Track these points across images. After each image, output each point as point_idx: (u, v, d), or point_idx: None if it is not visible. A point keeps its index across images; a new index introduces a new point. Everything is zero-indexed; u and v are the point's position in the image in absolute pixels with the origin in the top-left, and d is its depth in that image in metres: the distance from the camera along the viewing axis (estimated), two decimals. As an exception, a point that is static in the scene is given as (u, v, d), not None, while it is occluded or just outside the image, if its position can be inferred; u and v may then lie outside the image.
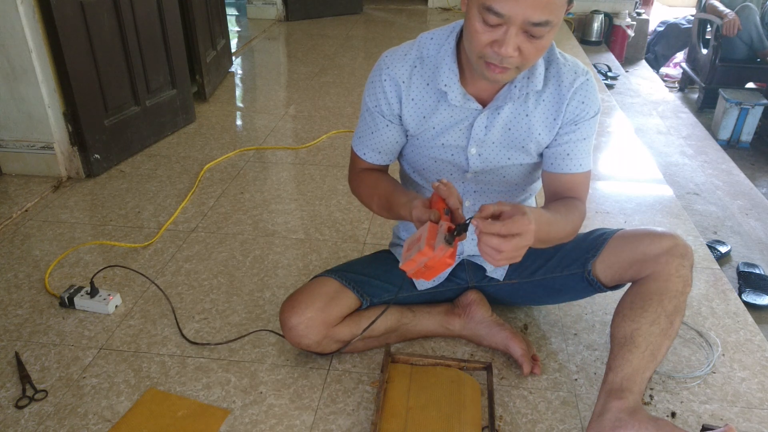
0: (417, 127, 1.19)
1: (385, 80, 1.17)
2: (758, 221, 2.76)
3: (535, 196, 1.37)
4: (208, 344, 1.40)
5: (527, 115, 1.15)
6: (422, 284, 1.38)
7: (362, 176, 1.29)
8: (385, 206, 1.19)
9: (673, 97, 4.64)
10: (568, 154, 1.17)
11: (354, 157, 1.30)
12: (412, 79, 1.16)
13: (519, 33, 0.95)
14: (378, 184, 1.24)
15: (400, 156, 1.31)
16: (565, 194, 1.20)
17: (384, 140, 1.24)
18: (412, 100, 1.17)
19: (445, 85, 1.13)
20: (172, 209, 1.98)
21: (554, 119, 1.15)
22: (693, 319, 1.50)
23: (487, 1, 0.94)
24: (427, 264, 0.95)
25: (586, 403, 1.25)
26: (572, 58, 1.16)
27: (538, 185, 1.33)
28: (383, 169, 1.31)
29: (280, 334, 1.39)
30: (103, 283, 1.61)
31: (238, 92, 3.25)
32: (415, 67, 1.16)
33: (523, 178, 1.26)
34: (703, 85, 4.43)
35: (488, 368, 1.29)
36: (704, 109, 4.40)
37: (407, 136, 1.24)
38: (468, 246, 1.35)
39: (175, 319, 1.48)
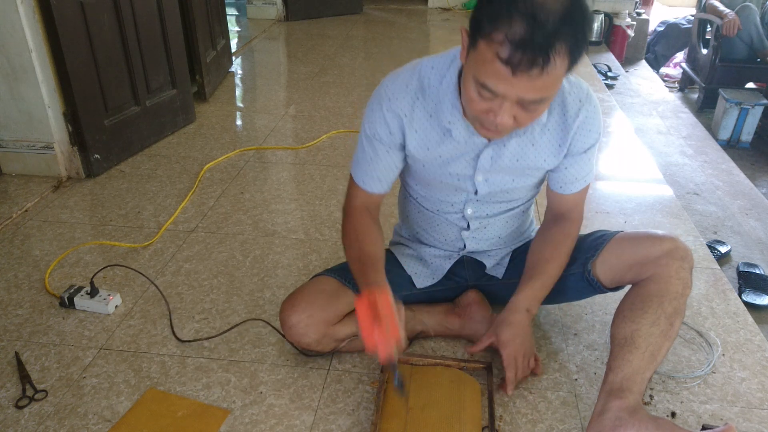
0: (422, 156, 1.19)
1: (386, 111, 1.15)
2: (758, 221, 2.76)
3: (536, 198, 1.37)
4: (197, 340, 1.40)
5: (533, 145, 1.17)
6: (422, 283, 1.38)
7: (359, 219, 1.25)
8: (357, 260, 1.18)
9: (673, 97, 4.64)
10: (576, 178, 1.23)
11: (353, 188, 1.27)
12: (415, 111, 1.15)
13: (514, 105, 0.96)
14: (366, 241, 1.21)
15: (404, 172, 1.30)
16: (566, 212, 1.29)
17: (384, 167, 1.22)
18: (416, 131, 1.16)
19: (449, 122, 1.13)
20: (172, 209, 1.98)
21: (559, 146, 1.17)
22: (693, 319, 1.50)
23: (481, 78, 0.94)
24: (376, 325, 1.01)
25: (586, 403, 1.25)
26: (575, 79, 1.16)
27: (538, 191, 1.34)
28: (376, 218, 1.28)
29: (269, 323, 1.39)
30: (103, 283, 1.61)
31: (238, 92, 3.25)
32: (417, 98, 1.14)
33: (526, 192, 1.30)
34: (703, 85, 4.42)
35: (488, 368, 1.29)
36: (704, 109, 4.40)
37: (409, 159, 1.24)
38: (469, 242, 1.35)
39: (170, 320, 1.48)
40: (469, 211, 1.29)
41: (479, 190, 1.24)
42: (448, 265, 1.38)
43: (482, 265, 1.40)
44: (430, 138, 1.16)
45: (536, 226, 1.47)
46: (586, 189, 1.27)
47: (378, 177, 1.23)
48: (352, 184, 1.28)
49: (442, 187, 1.26)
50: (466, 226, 1.32)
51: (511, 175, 1.22)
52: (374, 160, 1.21)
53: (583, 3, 0.93)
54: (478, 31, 0.93)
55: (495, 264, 1.40)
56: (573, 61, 0.94)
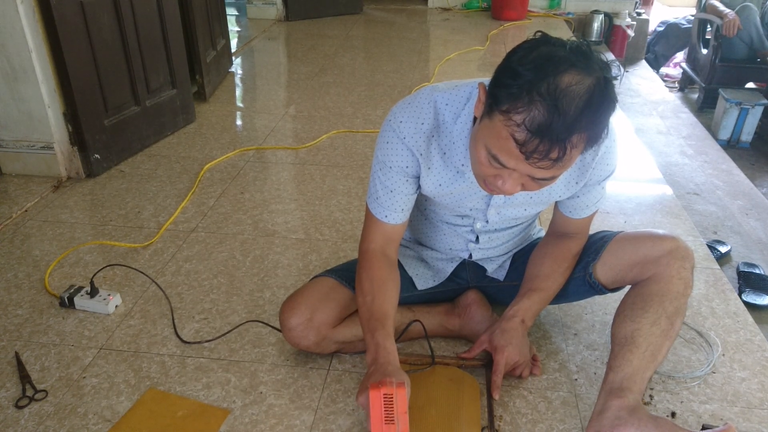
0: (434, 193, 1.19)
1: (403, 146, 1.12)
2: (758, 221, 2.76)
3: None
4: (200, 342, 1.40)
5: None
6: (423, 284, 1.38)
7: (377, 269, 1.19)
8: (368, 313, 1.14)
9: (673, 97, 4.64)
10: (587, 205, 1.23)
11: (373, 225, 1.22)
12: (430, 150, 1.12)
13: (523, 176, 0.95)
14: (381, 297, 1.16)
15: None
16: (571, 232, 1.29)
17: (406, 196, 1.19)
18: (429, 169, 1.14)
19: (462, 165, 1.11)
20: (172, 209, 1.98)
21: (576, 183, 1.17)
22: (693, 319, 1.50)
23: (493, 150, 0.92)
24: (389, 426, 1.02)
25: (586, 403, 1.25)
26: None
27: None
28: (394, 261, 1.24)
29: (269, 324, 1.39)
30: (103, 283, 1.61)
31: (238, 92, 3.25)
32: (432, 136, 1.11)
33: (533, 217, 1.31)
34: (703, 85, 4.42)
35: (487, 366, 1.29)
36: (704, 109, 4.40)
37: (420, 190, 1.22)
38: (475, 252, 1.35)
39: (173, 319, 1.48)
40: (478, 226, 1.29)
41: (490, 220, 1.25)
42: (450, 268, 1.38)
43: (483, 268, 1.40)
44: (443, 177, 1.15)
45: (539, 228, 1.48)
46: (594, 213, 1.27)
47: (401, 207, 1.20)
48: (371, 221, 1.22)
49: (452, 212, 1.27)
50: (475, 239, 1.32)
51: (524, 207, 1.22)
52: (395, 191, 1.17)
53: (609, 85, 0.88)
54: (496, 103, 0.89)
55: (496, 267, 1.40)
56: (590, 146, 0.91)
